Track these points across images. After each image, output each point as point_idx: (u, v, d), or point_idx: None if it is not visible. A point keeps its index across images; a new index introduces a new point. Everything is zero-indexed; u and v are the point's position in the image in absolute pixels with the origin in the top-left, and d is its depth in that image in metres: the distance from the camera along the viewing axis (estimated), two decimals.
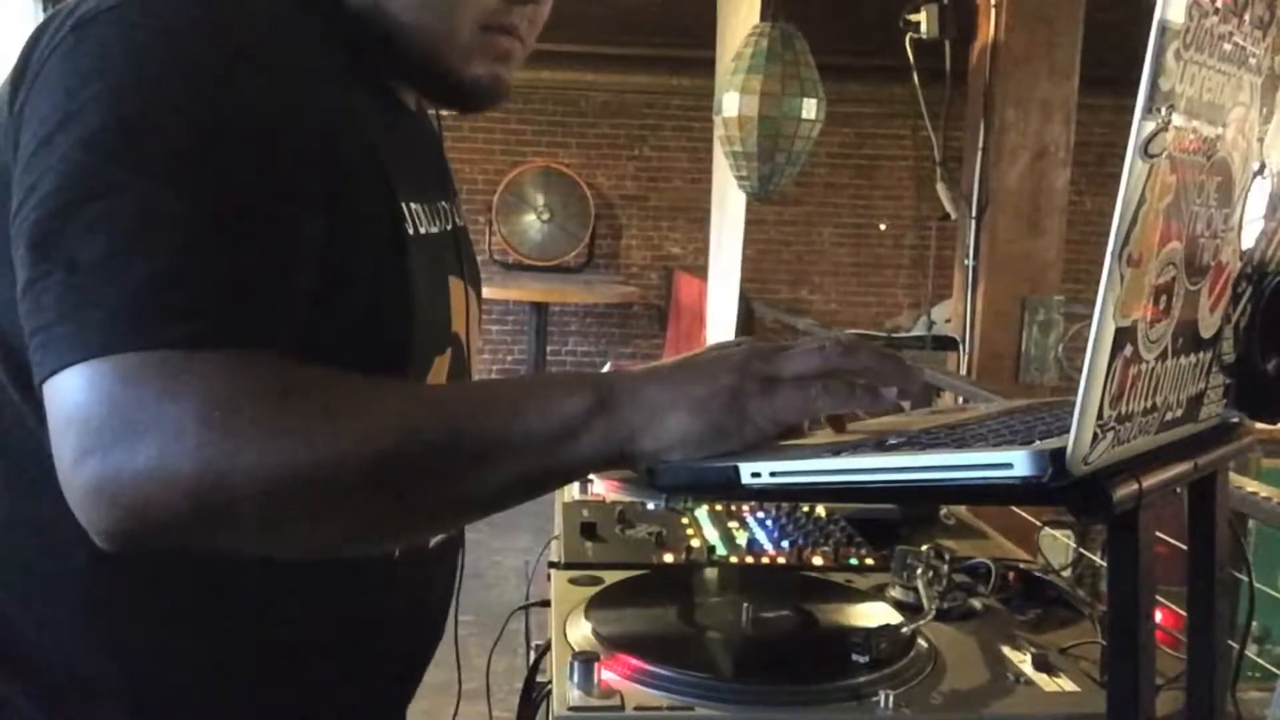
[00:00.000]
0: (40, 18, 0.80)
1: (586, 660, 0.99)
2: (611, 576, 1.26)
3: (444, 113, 1.06)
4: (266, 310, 0.73)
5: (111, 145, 0.70)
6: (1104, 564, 1.37)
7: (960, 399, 3.26)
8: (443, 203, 0.98)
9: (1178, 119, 0.60)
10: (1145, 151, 0.58)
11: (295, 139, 0.77)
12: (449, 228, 0.98)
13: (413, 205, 0.90)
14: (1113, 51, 3.76)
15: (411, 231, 0.88)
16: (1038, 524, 1.58)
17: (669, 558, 1.36)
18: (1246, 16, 0.67)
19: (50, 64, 0.74)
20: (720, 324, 5.22)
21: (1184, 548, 0.84)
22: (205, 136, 0.72)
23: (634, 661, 1.01)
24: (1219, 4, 0.63)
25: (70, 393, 0.67)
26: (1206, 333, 0.72)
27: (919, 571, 1.23)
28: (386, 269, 0.85)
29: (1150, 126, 0.58)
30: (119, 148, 0.71)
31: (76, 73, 0.73)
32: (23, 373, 0.72)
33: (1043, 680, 1.04)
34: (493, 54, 0.90)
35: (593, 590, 1.21)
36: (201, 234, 0.70)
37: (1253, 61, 0.69)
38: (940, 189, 4.00)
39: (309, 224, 0.77)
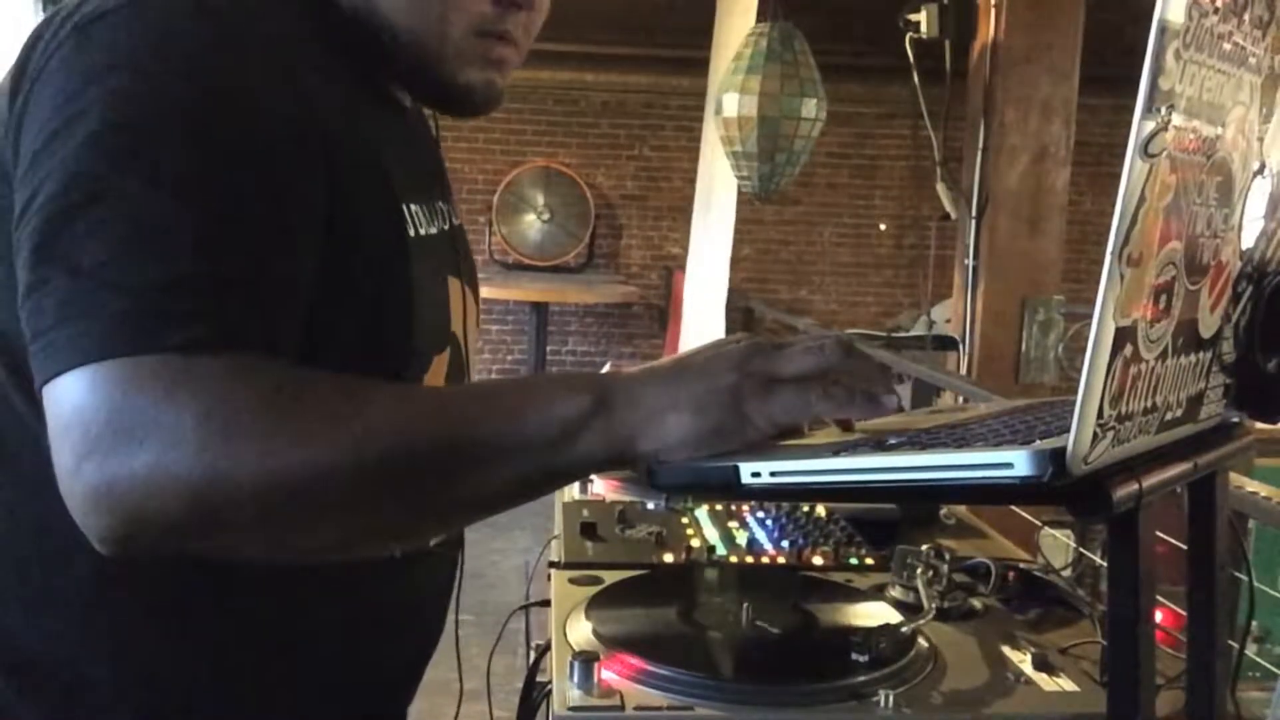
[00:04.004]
0: (40, 18, 0.79)
1: (586, 660, 0.99)
2: (611, 576, 1.26)
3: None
4: (266, 314, 0.72)
5: (113, 149, 0.70)
6: (1104, 564, 1.37)
7: (960, 399, 3.26)
8: (440, 203, 0.99)
9: (1178, 119, 0.60)
10: (1145, 151, 0.58)
11: (296, 141, 0.77)
12: (446, 228, 0.98)
13: (413, 206, 0.90)
14: (1113, 51, 3.76)
15: (412, 233, 0.88)
16: (1038, 524, 1.58)
17: (669, 558, 1.36)
18: (1246, 16, 0.67)
19: (51, 66, 0.74)
20: (705, 325, 5.20)
21: (1184, 548, 0.84)
22: (206, 140, 0.72)
23: (634, 661, 1.01)
24: (1219, 4, 0.63)
25: (69, 397, 0.67)
26: (1206, 332, 0.72)
27: (919, 571, 1.23)
28: (388, 270, 0.85)
29: (1150, 126, 0.58)
30: (120, 151, 0.70)
31: (77, 75, 0.73)
32: (24, 376, 0.72)
33: (1043, 680, 1.04)
34: (486, 60, 0.90)
35: (593, 590, 1.21)
36: (202, 238, 0.70)
37: (1252, 61, 0.69)
38: (940, 189, 4.00)
39: (310, 227, 0.77)
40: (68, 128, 0.71)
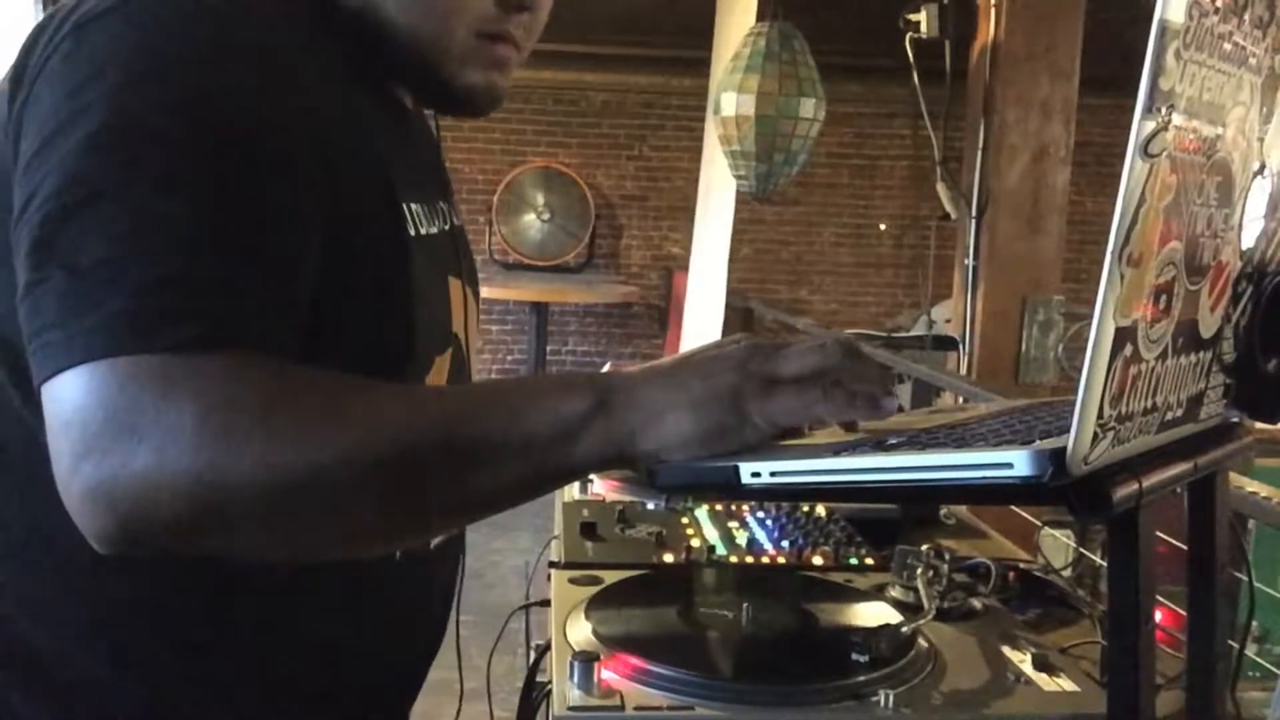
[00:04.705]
0: (40, 17, 0.79)
1: (586, 660, 0.99)
2: (611, 576, 1.26)
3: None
4: (266, 313, 0.72)
5: (112, 147, 0.70)
6: (1104, 564, 1.37)
7: (960, 399, 3.26)
8: (441, 203, 0.99)
9: (1178, 119, 0.60)
10: (1145, 151, 0.58)
11: (296, 140, 0.77)
12: (447, 227, 0.98)
13: (413, 206, 0.90)
14: (1113, 51, 3.76)
15: (413, 233, 0.88)
16: (1038, 524, 1.58)
17: (669, 558, 1.36)
18: (1246, 16, 0.67)
19: (50, 65, 0.74)
20: (705, 324, 5.20)
21: (1184, 548, 0.84)
22: (205, 139, 0.72)
23: (634, 661, 1.01)
24: (1219, 4, 0.63)
25: (68, 396, 0.67)
26: (1206, 332, 0.72)
27: (919, 571, 1.23)
28: (388, 270, 0.85)
29: (1150, 126, 0.58)
30: (119, 150, 0.70)
31: (76, 74, 0.73)
32: (25, 376, 0.72)
33: (1043, 680, 1.04)
34: (488, 61, 0.90)
35: (593, 590, 1.21)
36: (201, 237, 0.70)
37: (1253, 61, 0.69)
38: (940, 189, 3.99)
39: (310, 225, 0.77)
40: (66, 128, 0.71)
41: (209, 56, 0.75)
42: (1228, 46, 0.65)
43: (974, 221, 3.79)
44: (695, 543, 1.40)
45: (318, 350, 0.76)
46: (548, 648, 1.14)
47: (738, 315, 6.46)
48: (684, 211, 7.49)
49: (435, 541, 0.97)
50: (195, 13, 0.76)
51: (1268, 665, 1.85)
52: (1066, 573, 1.39)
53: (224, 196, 0.72)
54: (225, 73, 0.75)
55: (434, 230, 0.93)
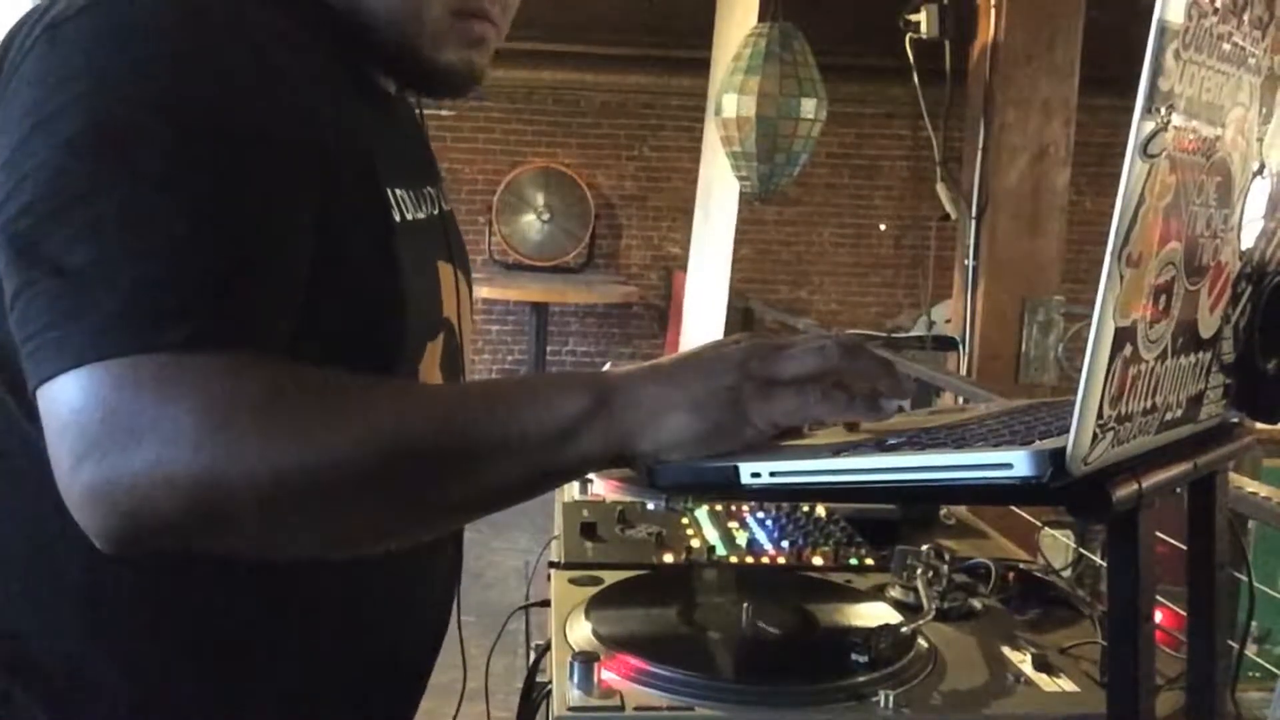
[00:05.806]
0: None
1: (586, 660, 0.99)
2: (611, 576, 1.26)
3: (439, 106, 1.06)
4: (260, 309, 0.72)
5: (93, 146, 0.70)
6: (1104, 564, 1.37)
7: (960, 399, 3.26)
8: (428, 188, 0.98)
9: (1177, 119, 0.60)
10: (1145, 151, 0.58)
11: (279, 130, 0.76)
12: (435, 213, 0.98)
13: (398, 192, 0.89)
14: (1113, 51, 3.76)
15: (398, 218, 0.87)
16: (1038, 524, 1.59)
17: (669, 558, 1.36)
18: (1246, 16, 0.67)
19: (25, 66, 0.73)
20: (706, 323, 5.21)
21: (1184, 548, 0.84)
22: (187, 133, 0.71)
23: (634, 661, 1.01)
24: (1218, 4, 0.63)
25: (65, 398, 0.66)
26: (1206, 333, 0.72)
27: (919, 571, 1.23)
28: (375, 257, 0.84)
29: (1150, 126, 0.58)
30: (100, 149, 0.70)
31: (52, 74, 0.72)
32: (17, 379, 0.72)
33: (1043, 680, 1.05)
34: (466, 39, 0.90)
35: (593, 590, 1.21)
36: (190, 233, 0.70)
37: (1252, 61, 0.69)
38: (940, 189, 4.00)
39: (299, 216, 0.76)
40: (44, 127, 0.70)
41: (186, 51, 0.74)
42: (1227, 47, 0.65)
43: (974, 222, 3.79)
44: (695, 543, 1.40)
45: (308, 339, 0.75)
46: (548, 648, 1.14)
47: (738, 315, 6.45)
48: (684, 212, 7.49)
49: (431, 539, 0.97)
50: (170, 8, 0.75)
51: (1268, 665, 1.85)
52: (1066, 573, 1.39)
53: (211, 191, 0.71)
54: (204, 67, 0.74)
55: (420, 216, 0.93)
